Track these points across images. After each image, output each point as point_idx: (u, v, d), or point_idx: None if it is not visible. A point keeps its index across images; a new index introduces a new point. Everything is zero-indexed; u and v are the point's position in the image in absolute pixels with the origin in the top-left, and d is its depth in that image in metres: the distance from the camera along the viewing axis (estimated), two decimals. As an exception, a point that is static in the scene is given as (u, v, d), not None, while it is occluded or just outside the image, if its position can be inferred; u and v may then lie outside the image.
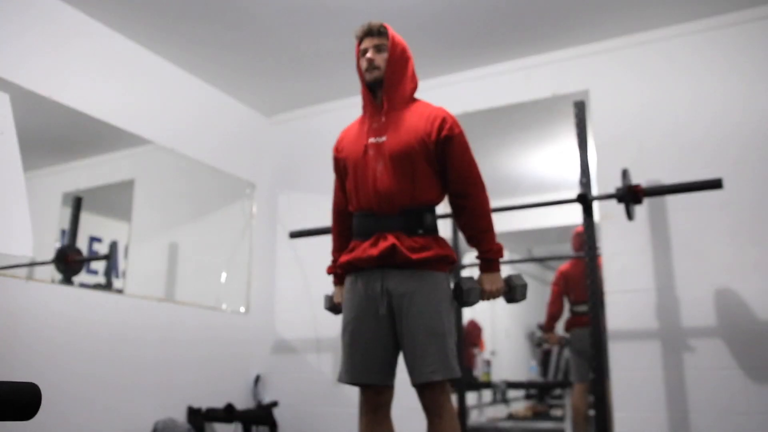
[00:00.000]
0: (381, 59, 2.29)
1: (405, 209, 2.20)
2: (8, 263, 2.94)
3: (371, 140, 2.27)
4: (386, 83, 2.29)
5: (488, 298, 2.26)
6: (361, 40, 2.34)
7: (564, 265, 4.84)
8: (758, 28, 3.39)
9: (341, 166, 2.40)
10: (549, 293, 4.80)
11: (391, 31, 2.33)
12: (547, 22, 3.61)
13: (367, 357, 2.18)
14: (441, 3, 3.40)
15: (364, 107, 2.39)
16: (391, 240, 2.16)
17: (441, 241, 2.24)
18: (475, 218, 2.23)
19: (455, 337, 2.21)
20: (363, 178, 2.25)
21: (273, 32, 3.69)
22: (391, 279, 2.17)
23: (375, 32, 2.31)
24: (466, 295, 2.21)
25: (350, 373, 2.20)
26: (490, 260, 2.24)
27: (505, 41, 3.81)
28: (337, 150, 2.43)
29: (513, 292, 2.28)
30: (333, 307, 2.55)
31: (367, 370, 2.18)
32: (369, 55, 2.29)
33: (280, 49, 3.87)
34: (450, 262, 2.23)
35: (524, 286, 2.28)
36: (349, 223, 2.41)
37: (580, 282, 4.43)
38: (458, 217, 2.28)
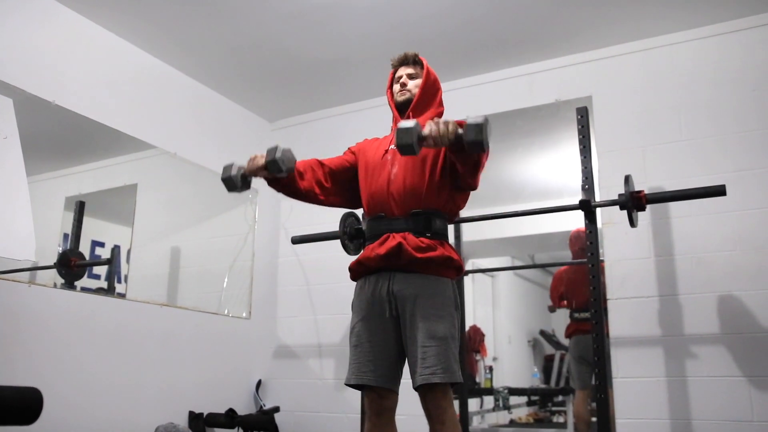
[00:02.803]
0: (413, 85, 2.44)
1: (415, 212, 2.25)
2: (11, 267, 2.94)
3: (392, 147, 2.38)
4: (415, 103, 2.41)
5: (432, 140, 2.00)
6: (396, 68, 2.51)
7: (559, 269, 4.90)
8: (761, 35, 3.39)
9: (354, 160, 2.51)
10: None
11: (426, 61, 2.48)
12: (550, 29, 3.61)
13: (373, 359, 2.21)
14: (444, 11, 3.41)
15: (393, 126, 2.49)
16: (398, 239, 2.20)
17: (448, 246, 2.28)
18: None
19: (458, 343, 2.22)
20: (378, 181, 2.34)
21: (276, 38, 3.70)
22: (397, 282, 2.21)
23: (410, 61, 2.49)
24: (398, 131, 1.98)
25: (354, 375, 2.23)
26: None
27: (509, 47, 3.81)
28: (358, 147, 2.55)
29: (466, 129, 1.95)
30: (230, 178, 2.31)
31: (371, 372, 2.20)
32: (403, 80, 2.45)
33: (284, 55, 3.88)
34: (456, 267, 2.26)
35: (479, 125, 1.92)
36: (318, 176, 2.47)
37: (581, 287, 4.43)
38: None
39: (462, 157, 2.10)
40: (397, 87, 2.47)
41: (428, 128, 2.01)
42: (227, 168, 2.36)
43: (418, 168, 2.28)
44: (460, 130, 1.99)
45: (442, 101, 2.50)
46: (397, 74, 2.50)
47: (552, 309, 5.32)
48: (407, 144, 1.99)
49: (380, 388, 2.19)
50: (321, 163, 2.51)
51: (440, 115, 2.48)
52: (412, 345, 2.15)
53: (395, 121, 2.49)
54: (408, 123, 2.00)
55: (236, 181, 2.34)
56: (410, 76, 2.46)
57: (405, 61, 2.48)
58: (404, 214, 2.25)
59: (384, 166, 2.35)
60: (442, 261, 2.21)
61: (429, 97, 2.44)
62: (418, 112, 2.41)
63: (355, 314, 2.31)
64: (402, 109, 2.45)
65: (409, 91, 2.43)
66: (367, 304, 2.26)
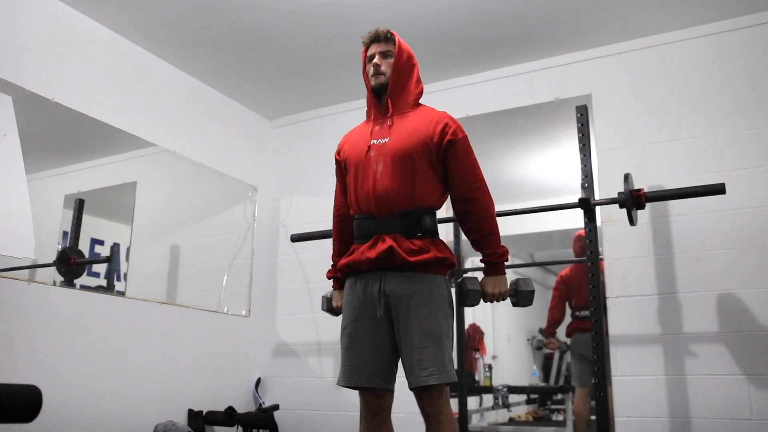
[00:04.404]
0: (387, 65, 2.33)
1: (404, 212, 2.19)
2: (10, 265, 2.94)
3: (374, 142, 2.29)
4: (391, 88, 2.32)
5: (491, 301, 2.24)
6: (368, 46, 2.39)
7: (564, 270, 4.86)
8: (760, 33, 3.39)
9: (342, 168, 2.41)
10: (550, 298, 4.82)
11: (398, 37, 2.36)
12: (549, 27, 3.61)
13: (365, 359, 2.19)
14: (444, 8, 3.40)
15: (369, 111, 2.42)
16: (389, 242, 2.16)
17: (440, 244, 2.23)
18: (479, 222, 2.22)
19: (452, 341, 2.20)
20: (363, 180, 2.26)
21: (275, 36, 3.70)
22: (389, 281, 2.18)
23: (382, 38, 2.35)
24: (465, 296, 2.21)
25: (348, 376, 2.21)
26: (493, 263, 2.25)
27: (508, 46, 3.81)
28: (339, 153, 2.45)
29: (518, 297, 2.27)
30: (331, 309, 2.56)
31: (364, 373, 2.18)
32: (375, 60, 2.33)
33: (283, 53, 3.88)
34: (449, 265, 2.22)
35: (530, 293, 2.27)
36: (349, 228, 2.40)
37: (581, 286, 4.42)
38: (463, 222, 2.27)
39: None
40: (370, 69, 2.34)
41: (487, 299, 2.24)
42: (326, 299, 2.62)
43: (406, 166, 2.20)
44: (510, 287, 2.29)
45: (420, 79, 2.39)
46: (369, 52, 2.37)
47: (539, 344, 5.32)
48: (473, 305, 2.28)
49: (375, 388, 2.18)
50: (341, 218, 2.52)
51: (420, 94, 2.37)
52: (406, 345, 2.12)
53: (369, 104, 2.40)
54: (472, 285, 2.25)
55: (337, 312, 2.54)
56: (383, 55, 2.33)
57: (377, 38, 2.35)
58: (393, 215, 2.19)
59: (369, 164, 2.25)
60: (436, 263, 2.18)
61: (405, 78, 2.34)
62: (396, 96, 2.32)
63: (346, 314, 2.27)
64: (378, 93, 2.35)
65: (383, 74, 2.32)
66: (358, 304, 2.23)
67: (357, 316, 2.23)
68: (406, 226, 2.19)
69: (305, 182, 4.58)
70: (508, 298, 2.29)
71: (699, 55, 3.52)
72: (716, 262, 3.24)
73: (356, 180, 2.29)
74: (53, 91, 3.25)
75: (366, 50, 2.39)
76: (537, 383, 6.69)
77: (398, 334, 2.16)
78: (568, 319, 4.73)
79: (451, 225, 3.93)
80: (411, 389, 2.12)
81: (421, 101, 2.40)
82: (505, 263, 2.27)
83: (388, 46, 2.34)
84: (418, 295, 2.14)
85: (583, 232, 3.14)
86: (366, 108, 2.45)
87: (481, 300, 2.25)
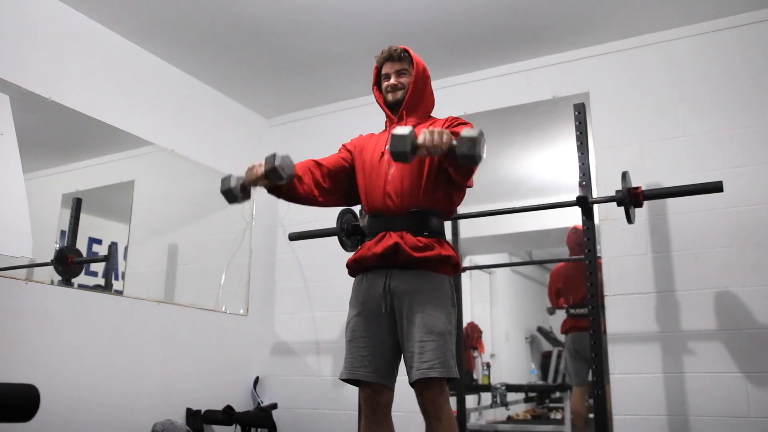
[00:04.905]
0: (404, 81, 2.38)
1: (412, 211, 2.24)
2: (8, 264, 2.94)
3: (388, 148, 2.32)
4: (408, 99, 2.37)
5: (425, 147, 1.95)
6: (381, 64, 2.44)
7: (557, 266, 4.91)
8: (758, 31, 3.39)
9: (350, 158, 2.46)
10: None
11: (411, 51, 2.41)
12: (547, 25, 3.61)
13: (367, 354, 2.21)
14: (442, 6, 3.40)
15: (386, 122, 2.48)
16: (395, 238, 2.20)
17: (445, 244, 2.28)
18: None
19: (455, 339, 2.22)
20: (375, 181, 2.32)
21: (273, 34, 3.69)
22: (394, 278, 2.21)
23: (396, 57, 2.40)
24: (392, 138, 1.94)
25: (348, 369, 2.23)
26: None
27: (506, 44, 3.81)
28: (353, 145, 2.50)
29: (459, 143, 1.93)
30: (230, 190, 2.23)
31: (365, 368, 2.20)
32: (393, 81, 2.38)
33: (281, 51, 3.87)
34: (453, 264, 2.26)
35: (472, 138, 1.90)
36: (320, 175, 2.37)
37: (577, 283, 4.44)
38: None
39: (454, 164, 2.08)
40: (387, 86, 2.40)
41: (422, 137, 1.95)
42: (225, 180, 2.27)
43: (415, 167, 2.27)
44: (455, 142, 1.96)
45: (432, 91, 2.46)
46: (384, 71, 2.42)
47: (551, 311, 5.33)
48: (401, 152, 1.96)
49: (375, 383, 2.19)
50: (318, 164, 2.41)
51: (432, 105, 2.47)
52: (409, 340, 2.14)
53: (389, 120, 2.46)
54: (403, 130, 1.96)
55: (236, 193, 2.26)
56: (398, 74, 2.38)
57: (390, 57, 2.39)
58: (402, 214, 2.24)
59: (381, 166, 2.33)
60: (440, 260, 2.21)
61: (420, 91, 2.40)
62: (411, 108, 2.38)
63: (352, 309, 2.31)
64: (394, 107, 2.41)
65: (401, 89, 2.38)
66: (363, 299, 2.27)
67: (361, 311, 2.27)
68: (413, 224, 2.23)
69: (303, 181, 4.57)
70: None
71: (697, 53, 3.52)
72: (714, 259, 3.24)
73: (367, 181, 2.35)
74: (51, 89, 3.24)
75: (379, 68, 2.45)
76: (535, 381, 6.71)
77: (401, 329, 2.19)
78: (564, 316, 4.74)
79: (449, 223, 3.92)
80: (411, 384, 2.13)
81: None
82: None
83: (403, 65, 2.39)
84: (421, 291, 2.17)
85: (578, 225, 3.14)
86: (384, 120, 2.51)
87: (414, 148, 1.95)
